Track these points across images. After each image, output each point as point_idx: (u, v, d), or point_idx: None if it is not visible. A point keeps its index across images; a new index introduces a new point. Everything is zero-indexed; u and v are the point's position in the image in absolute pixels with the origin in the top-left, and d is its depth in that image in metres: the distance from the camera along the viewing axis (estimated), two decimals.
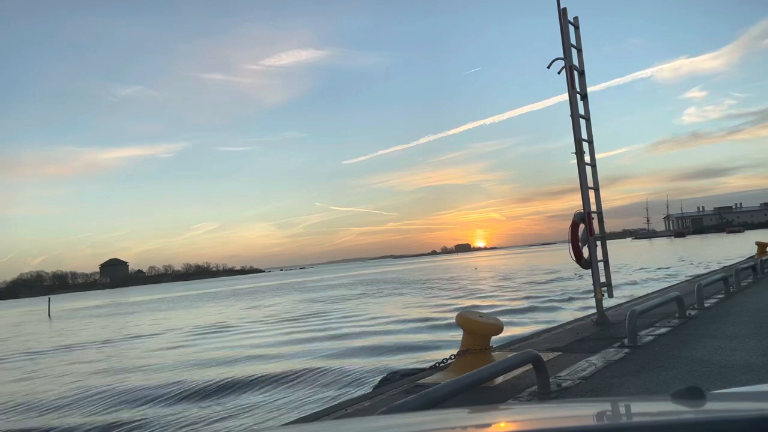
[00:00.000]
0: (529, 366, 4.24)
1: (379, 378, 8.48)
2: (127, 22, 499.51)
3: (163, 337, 20.80)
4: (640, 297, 12.58)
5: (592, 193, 8.10)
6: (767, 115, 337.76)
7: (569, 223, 7.95)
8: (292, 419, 7.69)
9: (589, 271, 8.00)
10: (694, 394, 1.04)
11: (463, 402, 3.66)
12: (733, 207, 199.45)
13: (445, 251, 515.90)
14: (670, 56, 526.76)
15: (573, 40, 8.18)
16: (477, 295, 26.34)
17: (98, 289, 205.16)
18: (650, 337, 6.29)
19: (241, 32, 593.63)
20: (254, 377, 10.83)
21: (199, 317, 29.57)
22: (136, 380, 12.07)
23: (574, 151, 7.96)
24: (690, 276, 20.42)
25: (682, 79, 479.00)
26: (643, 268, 33.52)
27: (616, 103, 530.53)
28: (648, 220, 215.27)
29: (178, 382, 11.13)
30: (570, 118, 8.00)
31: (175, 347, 17.32)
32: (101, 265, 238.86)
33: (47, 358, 18.29)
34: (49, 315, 49.39)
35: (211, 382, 10.75)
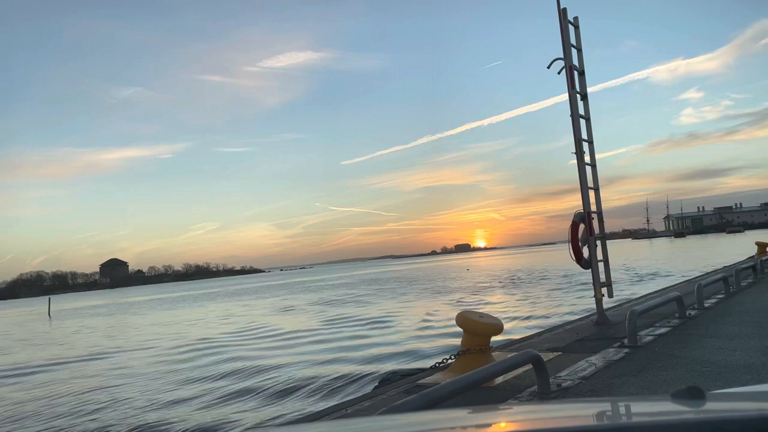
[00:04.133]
0: (529, 366, 4.24)
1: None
2: (126, 25, 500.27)
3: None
4: (640, 297, 12.58)
5: (592, 193, 8.10)
6: (764, 115, 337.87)
7: (569, 223, 7.95)
8: (293, 419, 7.69)
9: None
10: (694, 394, 1.04)
11: (463, 402, 3.66)
12: (733, 207, 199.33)
13: (445, 251, 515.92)
14: (667, 57, 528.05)
15: (573, 40, 8.18)
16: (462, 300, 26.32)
17: (98, 289, 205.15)
18: (650, 337, 6.29)
19: (239, 35, 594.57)
20: None
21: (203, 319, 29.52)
22: None
23: (574, 151, 7.96)
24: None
25: (678, 81, 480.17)
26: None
27: (614, 104, 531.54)
28: (648, 220, 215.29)
29: None
30: (570, 118, 8.00)
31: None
32: (101, 265, 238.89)
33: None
34: (49, 315, 49.43)
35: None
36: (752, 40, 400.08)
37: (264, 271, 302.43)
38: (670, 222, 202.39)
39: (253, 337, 18.28)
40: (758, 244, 21.50)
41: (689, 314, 7.67)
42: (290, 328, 19.50)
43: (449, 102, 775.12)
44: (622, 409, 1.26)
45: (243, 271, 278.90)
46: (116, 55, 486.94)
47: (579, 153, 7.92)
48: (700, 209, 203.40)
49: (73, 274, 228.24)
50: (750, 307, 8.05)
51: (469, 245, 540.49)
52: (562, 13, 7.99)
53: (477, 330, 5.17)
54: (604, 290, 8.07)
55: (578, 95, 8.11)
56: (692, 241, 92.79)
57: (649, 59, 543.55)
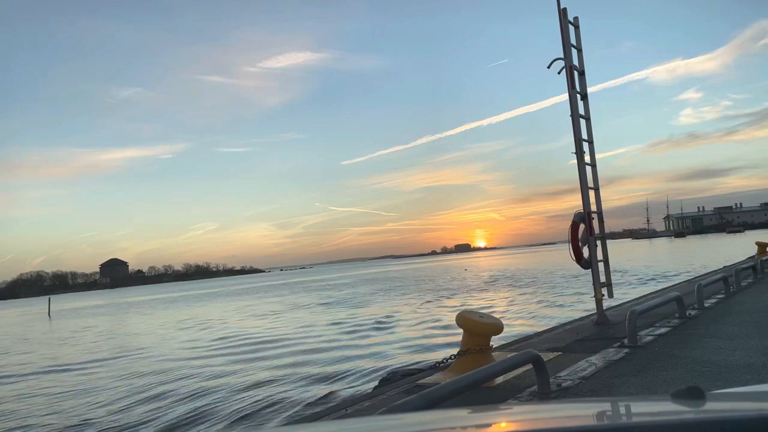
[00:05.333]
0: (529, 366, 4.24)
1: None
2: (126, 25, 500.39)
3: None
4: (640, 297, 12.59)
5: (592, 193, 8.10)
6: (764, 115, 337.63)
7: (569, 223, 7.95)
8: (292, 419, 7.70)
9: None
10: (694, 394, 1.04)
11: (463, 402, 3.66)
12: (733, 207, 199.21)
13: (445, 251, 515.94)
14: (666, 58, 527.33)
15: (573, 40, 8.18)
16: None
17: (98, 289, 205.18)
18: (650, 337, 6.29)
19: (239, 35, 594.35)
20: None
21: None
22: None
23: (574, 151, 7.96)
24: None
25: (677, 81, 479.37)
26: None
27: (613, 105, 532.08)
28: (648, 220, 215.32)
29: None
30: (570, 118, 8.00)
31: None
32: (101, 265, 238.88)
33: None
34: (49, 315, 49.45)
35: None
36: (751, 41, 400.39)
37: (264, 271, 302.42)
38: (670, 222, 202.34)
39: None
40: (758, 244, 21.48)
41: (689, 314, 7.66)
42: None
43: (449, 102, 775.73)
44: (622, 409, 1.26)
45: (243, 271, 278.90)
46: (116, 55, 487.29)
47: (579, 153, 7.92)
48: (700, 209, 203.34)
49: (73, 274, 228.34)
50: (750, 307, 8.05)
51: (469, 245, 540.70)
52: (562, 13, 7.98)
53: (477, 330, 5.17)
54: (605, 290, 8.07)
55: (578, 95, 8.11)
56: (692, 241, 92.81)
57: (648, 59, 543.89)
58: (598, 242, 8.09)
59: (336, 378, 10.41)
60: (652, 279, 25.29)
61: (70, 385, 12.61)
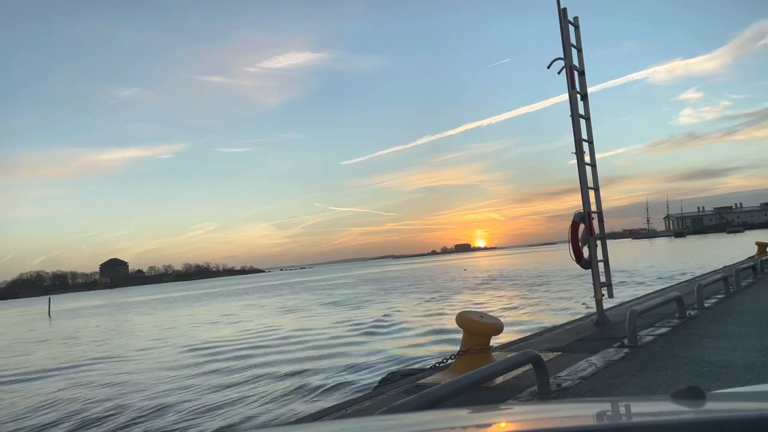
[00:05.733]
0: (529, 366, 4.24)
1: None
2: (126, 25, 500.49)
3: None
4: (640, 297, 12.58)
5: (592, 193, 8.10)
6: (763, 116, 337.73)
7: (569, 223, 7.95)
8: (292, 419, 7.69)
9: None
10: (694, 394, 1.04)
11: (463, 402, 3.65)
12: (733, 207, 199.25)
13: (445, 251, 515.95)
14: (666, 58, 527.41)
15: (573, 40, 8.18)
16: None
17: (98, 289, 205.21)
18: (650, 337, 6.29)
19: (239, 35, 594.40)
20: None
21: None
22: None
23: (574, 151, 7.96)
24: None
25: (677, 81, 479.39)
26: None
27: (612, 105, 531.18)
28: (648, 220, 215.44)
29: None
30: (570, 118, 8.00)
31: None
32: (101, 265, 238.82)
33: None
34: (49, 315, 49.46)
35: None
36: (751, 41, 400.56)
37: (264, 271, 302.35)
38: (670, 222, 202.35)
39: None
40: (758, 244, 21.47)
41: (689, 314, 7.66)
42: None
43: (449, 102, 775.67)
44: (622, 409, 1.26)
45: (243, 271, 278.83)
46: (116, 55, 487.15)
47: (579, 153, 7.92)
48: (700, 209, 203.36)
49: (73, 274, 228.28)
50: (750, 307, 8.05)
51: (469, 245, 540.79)
52: (562, 13, 7.98)
53: (477, 330, 5.16)
54: (605, 290, 8.07)
55: (578, 95, 8.11)
56: (692, 241, 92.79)
57: (648, 59, 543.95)
58: (598, 242, 8.10)
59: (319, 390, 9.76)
60: (646, 280, 25.29)
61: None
